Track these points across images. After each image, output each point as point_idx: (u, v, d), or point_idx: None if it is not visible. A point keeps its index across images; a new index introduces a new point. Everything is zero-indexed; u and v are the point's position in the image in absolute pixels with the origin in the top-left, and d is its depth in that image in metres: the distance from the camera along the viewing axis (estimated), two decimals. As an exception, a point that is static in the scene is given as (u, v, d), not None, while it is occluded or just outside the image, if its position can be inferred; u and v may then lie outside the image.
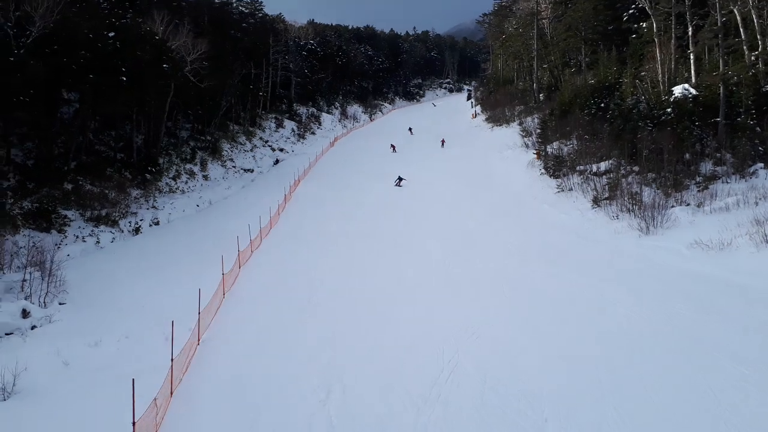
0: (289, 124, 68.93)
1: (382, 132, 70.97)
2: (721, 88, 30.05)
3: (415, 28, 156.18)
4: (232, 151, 52.30)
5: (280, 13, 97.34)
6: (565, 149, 36.02)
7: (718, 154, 27.99)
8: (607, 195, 26.20)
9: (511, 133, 49.45)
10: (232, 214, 33.24)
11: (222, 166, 48.12)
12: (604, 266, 19.34)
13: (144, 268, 22.14)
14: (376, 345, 14.26)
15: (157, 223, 33.15)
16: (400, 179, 39.14)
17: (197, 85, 43.57)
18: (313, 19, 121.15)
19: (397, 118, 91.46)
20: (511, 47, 68.17)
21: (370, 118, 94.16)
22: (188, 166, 43.80)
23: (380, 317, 16.14)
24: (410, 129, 69.88)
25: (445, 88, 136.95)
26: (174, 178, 41.22)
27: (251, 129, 60.67)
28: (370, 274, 20.48)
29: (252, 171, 51.12)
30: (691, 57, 34.77)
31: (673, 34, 37.45)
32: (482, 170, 40.31)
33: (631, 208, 23.38)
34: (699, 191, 24.81)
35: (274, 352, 14.30)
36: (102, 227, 29.64)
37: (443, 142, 56.78)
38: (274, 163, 55.09)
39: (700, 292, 15.94)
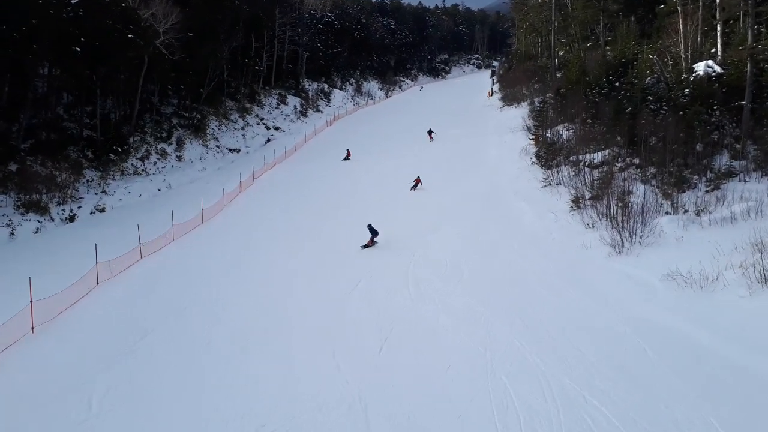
0: (293, 101, 65.25)
1: (387, 113, 66.29)
2: (749, 66, 24.94)
3: (444, 1, 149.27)
4: (219, 129, 49.03)
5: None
6: (566, 135, 31.40)
7: (738, 145, 23.13)
8: (592, 194, 21.67)
9: (519, 114, 44.73)
10: (186, 201, 29.95)
11: (203, 145, 44.94)
12: (543, 306, 14.54)
13: (25, 272, 18.66)
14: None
15: (102, 210, 30.16)
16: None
17: (171, 58, 40.18)
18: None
19: (414, 96, 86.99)
20: (531, 19, 62.60)
21: (386, 95, 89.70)
22: (161, 145, 40.72)
23: (180, 382, 12.36)
24: (430, 132, 47.35)
25: (473, 64, 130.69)
26: (142, 159, 38.24)
27: (248, 105, 57.25)
28: (237, 312, 16.41)
29: (238, 151, 47.87)
30: (718, 28, 29.48)
31: (700, 2, 32.09)
32: (474, 156, 35.89)
33: (613, 214, 18.74)
34: (707, 191, 20.17)
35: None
36: (30, 215, 26.75)
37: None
38: (266, 142, 51.70)
39: (652, 366, 10.96)
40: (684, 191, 20.39)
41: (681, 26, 32.36)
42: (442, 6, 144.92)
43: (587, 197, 21.63)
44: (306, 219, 27.05)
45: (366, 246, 21.75)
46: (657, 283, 14.10)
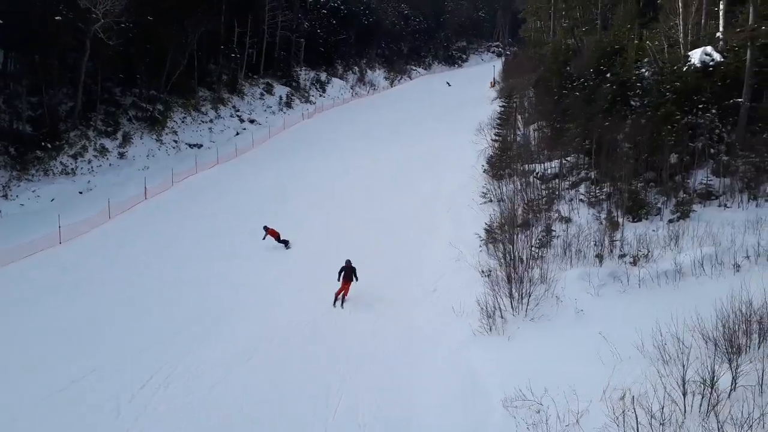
0: (281, 91, 61.10)
1: (381, 104, 61.25)
2: (749, 52, 19.60)
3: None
4: (183, 122, 45.23)
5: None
6: (536, 136, 26.42)
7: (725, 157, 17.94)
8: (521, 220, 16.70)
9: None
10: (97, 208, 26.23)
11: (157, 140, 41.18)
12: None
13: None
14: None
15: (-10, 219, 26.62)
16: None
17: (109, 44, 36.29)
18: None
19: (418, 86, 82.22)
20: (535, 3, 56.92)
21: (391, 84, 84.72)
22: (102, 141, 37.03)
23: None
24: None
25: (494, 52, 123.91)
26: (75, 156, 34.62)
27: (226, 96, 53.33)
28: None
29: (200, 146, 43.98)
30: (721, 5, 24.06)
31: (706, -23, 26.76)
32: (435, 157, 31.11)
33: (516, 255, 13.52)
34: (671, 221, 15.16)
35: None
36: None
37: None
38: (235, 136, 47.76)
39: None
40: (640, 220, 15.39)
41: (680, 4, 27.09)
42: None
43: (516, 224, 16.67)
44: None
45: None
46: (497, 409, 8.53)
